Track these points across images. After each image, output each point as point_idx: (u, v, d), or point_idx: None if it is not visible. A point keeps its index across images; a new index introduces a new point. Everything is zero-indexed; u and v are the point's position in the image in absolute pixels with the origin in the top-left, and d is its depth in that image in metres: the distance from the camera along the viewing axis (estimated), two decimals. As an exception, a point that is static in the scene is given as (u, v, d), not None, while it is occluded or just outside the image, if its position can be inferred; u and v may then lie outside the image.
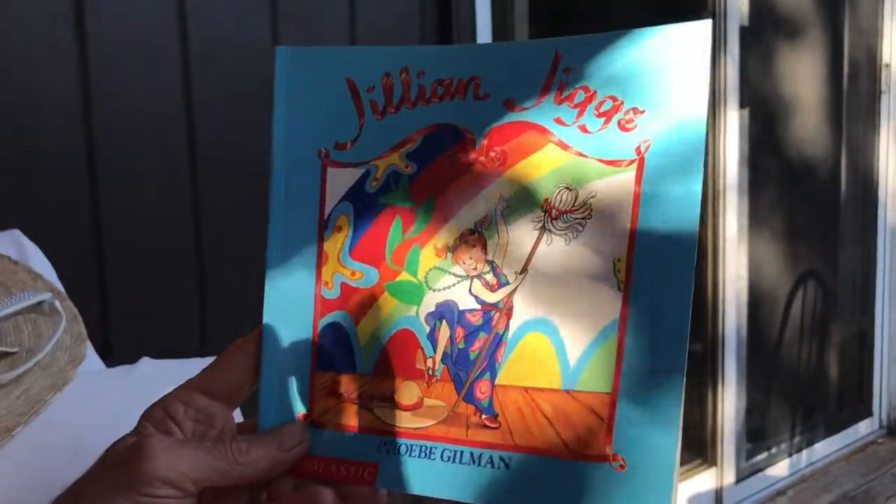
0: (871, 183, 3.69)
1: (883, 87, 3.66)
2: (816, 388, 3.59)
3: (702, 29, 0.47)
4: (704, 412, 3.11)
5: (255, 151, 1.80)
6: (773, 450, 3.33)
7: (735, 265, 3.02)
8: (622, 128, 0.49)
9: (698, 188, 0.47)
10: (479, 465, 0.51)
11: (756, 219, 3.11)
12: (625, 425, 0.48)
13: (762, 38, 3.06)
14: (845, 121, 3.52)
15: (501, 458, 0.50)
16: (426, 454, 0.52)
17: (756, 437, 3.25)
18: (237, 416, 0.57)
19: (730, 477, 3.11)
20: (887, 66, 3.65)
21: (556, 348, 0.50)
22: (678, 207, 0.47)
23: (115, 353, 1.55)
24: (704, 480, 3.08)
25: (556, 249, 0.50)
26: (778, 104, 3.19)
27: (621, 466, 0.47)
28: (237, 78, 1.76)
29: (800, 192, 3.35)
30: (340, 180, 0.55)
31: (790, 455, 3.39)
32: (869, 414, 3.79)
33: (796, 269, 3.38)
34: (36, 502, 0.62)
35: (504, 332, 0.51)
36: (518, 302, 0.51)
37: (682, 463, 3.09)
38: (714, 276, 3.02)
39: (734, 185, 2.97)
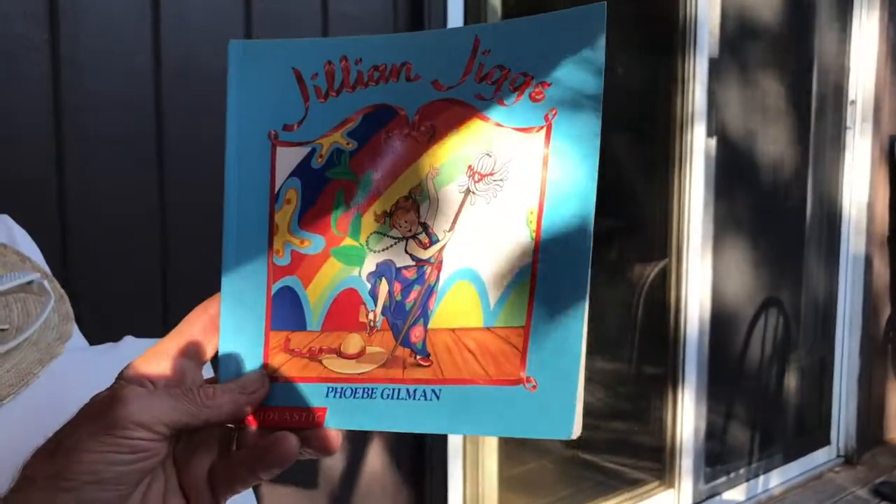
0: (835, 214, 3.78)
1: (848, 124, 3.76)
2: (776, 415, 3.65)
3: (597, 11, 0.55)
4: (664, 433, 3.16)
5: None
6: (732, 474, 3.38)
7: (699, 290, 3.08)
8: (533, 99, 0.56)
9: (596, 147, 0.54)
10: (413, 399, 0.57)
11: (721, 245, 3.18)
12: (536, 352, 0.54)
13: (731, 70, 3.14)
14: (812, 154, 3.61)
15: (433, 391, 0.56)
16: (368, 395, 0.57)
17: (715, 460, 3.30)
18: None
19: (687, 500, 3.15)
20: (853, 103, 3.75)
21: (479, 293, 0.57)
22: (580, 163, 0.54)
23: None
24: (662, 502, 3.12)
25: (478, 208, 0.57)
26: (746, 135, 3.27)
27: (533, 387, 0.54)
28: (209, 77, 1.78)
29: (766, 220, 3.42)
30: (288, 158, 0.61)
31: (748, 480, 3.44)
32: (827, 442, 3.86)
33: (760, 296, 3.45)
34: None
35: (435, 283, 0.58)
36: (447, 256, 0.58)
37: (641, 483, 3.14)
38: (677, 300, 3.07)
39: (699, 211, 3.03)
